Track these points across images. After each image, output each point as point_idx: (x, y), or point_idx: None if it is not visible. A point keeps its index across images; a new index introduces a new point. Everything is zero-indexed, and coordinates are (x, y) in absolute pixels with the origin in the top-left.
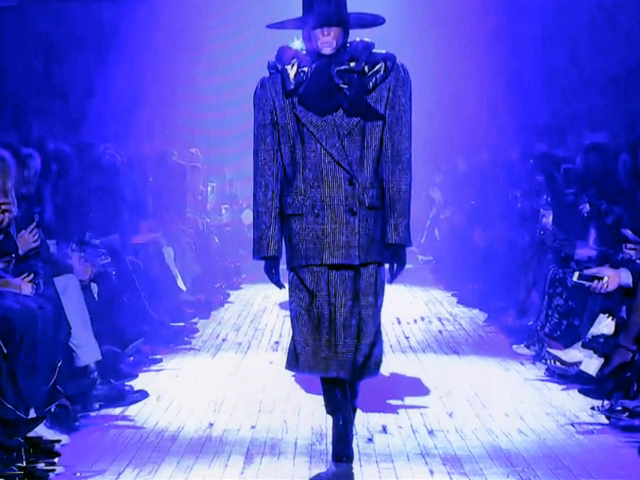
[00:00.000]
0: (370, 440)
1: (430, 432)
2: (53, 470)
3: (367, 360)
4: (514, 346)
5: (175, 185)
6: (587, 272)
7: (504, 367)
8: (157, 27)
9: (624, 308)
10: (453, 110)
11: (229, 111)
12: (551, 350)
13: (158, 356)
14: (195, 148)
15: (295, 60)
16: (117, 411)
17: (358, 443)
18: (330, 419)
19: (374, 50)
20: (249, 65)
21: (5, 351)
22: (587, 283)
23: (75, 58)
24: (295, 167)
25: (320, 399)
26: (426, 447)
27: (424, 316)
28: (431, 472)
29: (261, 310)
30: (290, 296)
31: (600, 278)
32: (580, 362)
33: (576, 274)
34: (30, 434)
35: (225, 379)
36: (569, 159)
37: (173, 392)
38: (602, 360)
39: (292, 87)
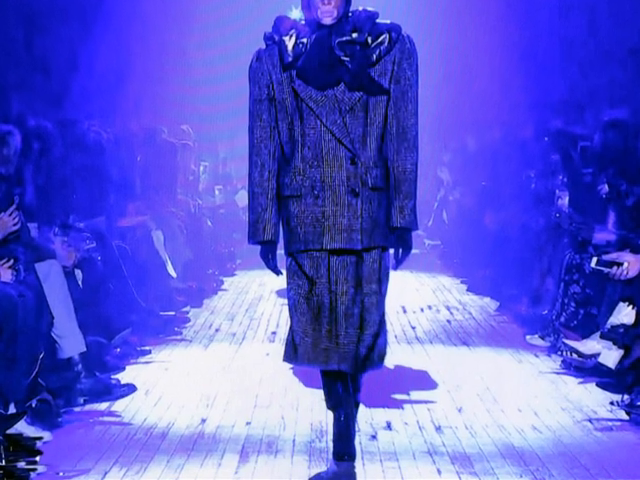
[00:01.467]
0: (374, 437)
1: (438, 428)
2: (34, 469)
3: (370, 352)
4: (528, 337)
5: (165, 164)
6: (606, 257)
7: (517, 359)
8: None
9: None
10: (462, 84)
11: (222, 85)
12: (567, 341)
13: (147, 347)
14: (186, 125)
15: (293, 31)
16: (103, 406)
17: (361, 440)
18: (331, 415)
19: (378, 20)
20: (244, 36)
21: None
22: (606, 269)
23: (57, 29)
24: (293, 145)
25: (320, 393)
26: (433, 444)
27: (431, 304)
28: (439, 471)
29: (257, 298)
30: (288, 283)
31: (620, 264)
32: (598, 354)
33: (594, 260)
34: (10, 431)
35: (218, 372)
36: (587, 136)
37: (163, 386)
38: (622, 352)
39: (290, 59)
